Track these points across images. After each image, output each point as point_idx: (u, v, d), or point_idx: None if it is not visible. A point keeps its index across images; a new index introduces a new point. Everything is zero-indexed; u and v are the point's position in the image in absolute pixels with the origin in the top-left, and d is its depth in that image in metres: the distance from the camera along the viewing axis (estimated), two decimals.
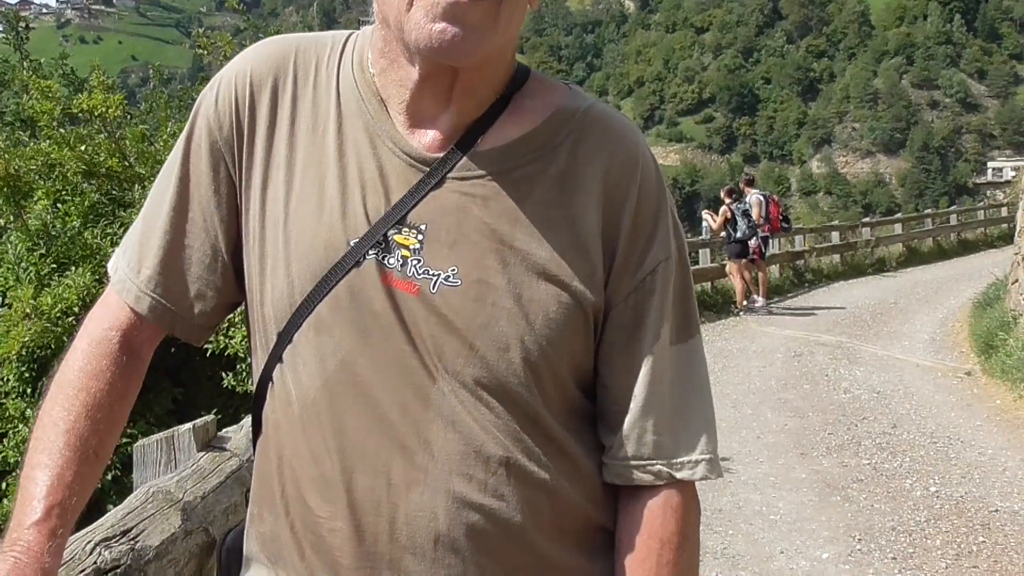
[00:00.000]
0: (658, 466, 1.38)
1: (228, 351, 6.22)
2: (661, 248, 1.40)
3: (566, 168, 1.38)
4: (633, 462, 1.38)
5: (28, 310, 5.97)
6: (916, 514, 6.83)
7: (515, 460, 1.31)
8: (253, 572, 1.45)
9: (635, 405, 1.38)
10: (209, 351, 6.25)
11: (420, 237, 1.33)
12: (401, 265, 1.32)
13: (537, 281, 1.33)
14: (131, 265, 1.47)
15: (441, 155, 1.36)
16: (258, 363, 1.44)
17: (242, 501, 2.23)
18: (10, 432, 6.08)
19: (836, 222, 26.06)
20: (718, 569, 5.72)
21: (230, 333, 6.28)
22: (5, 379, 6.37)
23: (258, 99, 1.43)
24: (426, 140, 1.37)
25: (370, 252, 1.33)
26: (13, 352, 6.00)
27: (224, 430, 2.45)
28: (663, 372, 1.39)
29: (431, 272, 1.32)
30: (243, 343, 6.05)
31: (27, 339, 5.86)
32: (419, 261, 1.32)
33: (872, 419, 9.57)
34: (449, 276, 1.32)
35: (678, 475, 1.38)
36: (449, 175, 1.35)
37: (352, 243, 1.34)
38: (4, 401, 6.29)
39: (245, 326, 1.50)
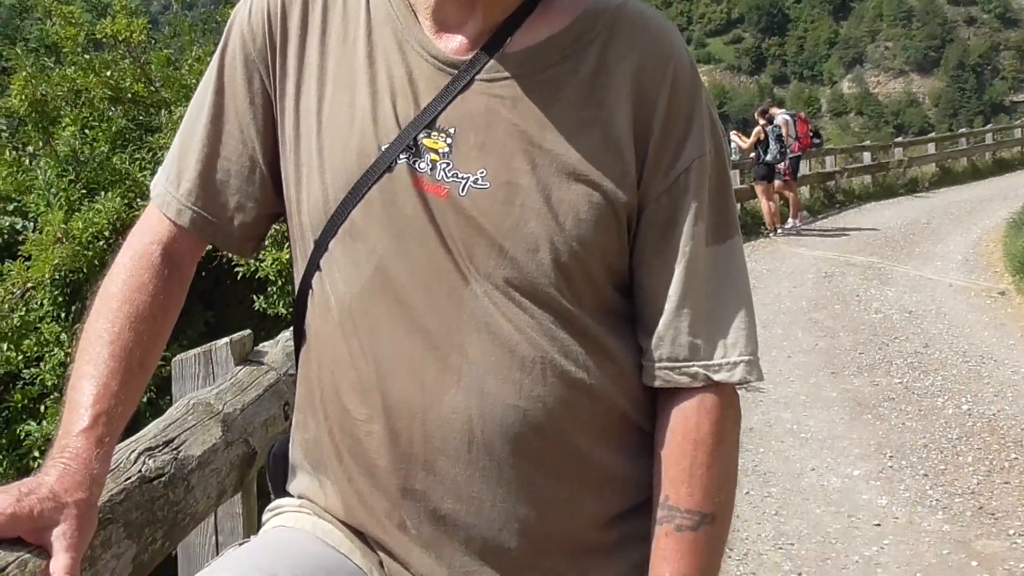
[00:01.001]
0: (695, 368, 1.37)
1: (259, 274, 6.25)
2: (695, 146, 1.38)
3: (596, 67, 1.36)
4: (669, 364, 1.38)
5: (59, 235, 6.01)
6: (948, 432, 6.84)
7: (549, 360, 1.31)
8: (298, 480, 1.47)
9: (670, 306, 1.37)
10: (240, 274, 6.29)
11: (449, 140, 1.33)
12: (431, 169, 1.32)
13: (567, 182, 1.32)
14: (170, 179, 1.48)
15: (469, 57, 1.35)
16: (298, 271, 1.45)
17: (280, 414, 2.25)
18: (46, 355, 6.15)
19: (868, 142, 25.73)
20: (749, 486, 5.75)
21: (261, 256, 6.31)
22: (39, 303, 6.43)
23: (289, 10, 1.43)
24: (454, 44, 1.37)
25: (401, 156, 1.33)
26: (46, 276, 6.06)
27: (261, 345, 2.47)
28: (698, 273, 1.38)
29: (460, 175, 1.32)
30: (274, 266, 6.08)
31: (58, 263, 5.91)
32: (448, 164, 1.32)
33: (904, 339, 9.54)
34: (478, 179, 1.31)
35: (715, 377, 1.37)
36: (477, 77, 1.35)
37: (383, 148, 1.34)
38: (39, 325, 6.35)
39: (288, 239, 1.51)
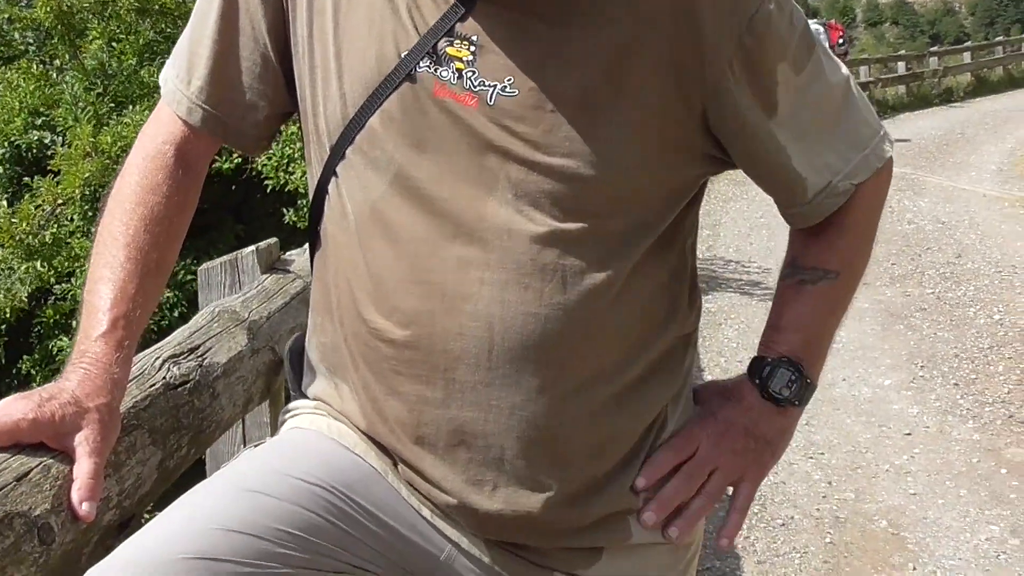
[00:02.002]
0: (840, 184, 1.38)
1: (288, 187, 6.25)
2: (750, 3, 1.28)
3: None
4: (816, 199, 1.38)
5: (88, 149, 6.01)
6: (979, 341, 6.80)
7: (572, 269, 1.28)
8: (315, 382, 1.45)
9: (794, 149, 1.35)
10: (269, 187, 6.28)
11: (472, 48, 1.28)
12: (456, 78, 1.28)
13: (599, 86, 1.27)
14: (181, 77, 1.45)
15: None
16: (313, 174, 1.42)
17: (307, 322, 2.24)
18: (77, 271, 6.18)
19: (903, 52, 25.31)
20: None
21: (290, 169, 6.30)
22: (70, 218, 6.45)
23: None
24: None
25: (422, 64, 1.29)
26: (76, 191, 6.07)
27: (288, 253, 2.45)
28: (800, 109, 1.33)
29: (487, 83, 1.27)
30: (303, 179, 6.06)
31: (88, 177, 5.91)
32: (474, 72, 1.27)
33: (936, 249, 9.46)
34: (506, 87, 1.27)
35: (857, 180, 1.38)
36: None
37: (403, 55, 1.30)
38: (70, 240, 6.38)
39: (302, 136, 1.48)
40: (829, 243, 1.43)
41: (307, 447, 1.39)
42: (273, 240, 2.38)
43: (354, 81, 1.33)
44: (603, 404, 1.32)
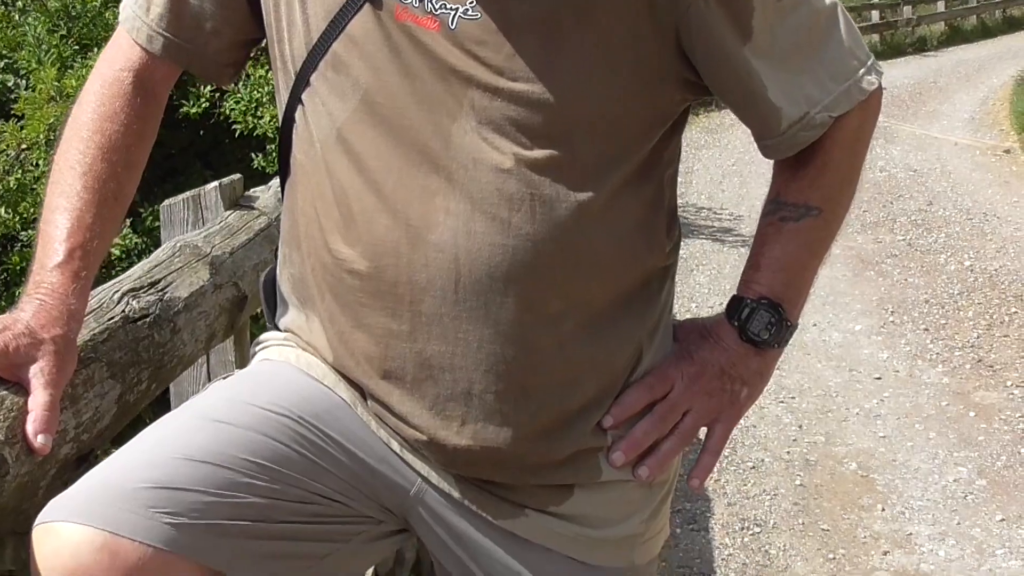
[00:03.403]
0: (819, 116, 1.33)
1: (257, 132, 6.16)
2: None
3: None
4: (790, 129, 1.33)
5: (52, 93, 5.90)
6: (950, 287, 6.83)
7: (540, 198, 1.24)
8: (287, 314, 1.43)
9: (760, 91, 1.31)
10: (238, 132, 6.20)
11: None
12: (418, 1, 1.24)
13: (564, 9, 1.23)
14: (139, 3, 1.40)
15: None
16: (281, 102, 1.39)
17: (272, 258, 2.20)
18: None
19: (875, 1, 25.26)
20: None
21: (259, 113, 6.21)
22: (35, 163, 6.35)
23: None
24: None
25: None
26: (40, 135, 5.97)
27: (252, 190, 2.41)
28: (778, 36, 1.29)
29: (449, 6, 1.23)
30: (272, 123, 5.99)
31: (53, 122, 5.81)
32: None
33: (908, 197, 9.48)
34: (468, 10, 1.22)
35: (836, 112, 1.33)
36: None
37: None
38: (35, 187, 6.28)
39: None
40: (812, 179, 1.38)
41: (275, 378, 1.36)
42: (237, 176, 2.34)
43: (316, 5, 1.29)
44: (574, 337, 1.29)
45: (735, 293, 1.41)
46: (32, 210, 6.18)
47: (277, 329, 1.46)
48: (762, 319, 1.37)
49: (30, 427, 1.22)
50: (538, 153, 1.24)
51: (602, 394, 1.33)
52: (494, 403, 1.28)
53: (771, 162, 1.42)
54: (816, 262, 1.42)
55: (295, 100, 1.34)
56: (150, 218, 6.04)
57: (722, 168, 11.28)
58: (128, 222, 6.24)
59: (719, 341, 1.40)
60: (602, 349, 1.32)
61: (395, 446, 1.34)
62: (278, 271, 1.46)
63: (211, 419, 1.26)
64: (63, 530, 1.14)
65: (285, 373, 1.36)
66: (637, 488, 1.37)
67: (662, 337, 1.39)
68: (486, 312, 1.25)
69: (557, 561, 1.36)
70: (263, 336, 1.47)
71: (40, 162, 6.26)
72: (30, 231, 6.15)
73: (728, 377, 1.39)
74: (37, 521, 1.17)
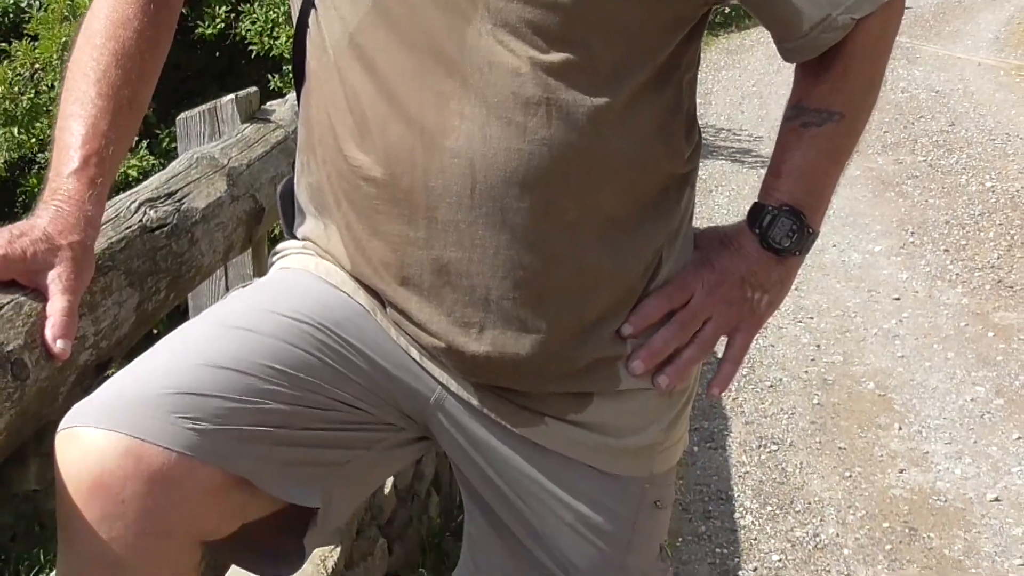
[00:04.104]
0: (839, 19, 1.29)
1: (273, 52, 6.13)
2: None
3: None
4: (808, 37, 1.31)
5: (65, 12, 5.86)
6: (970, 208, 6.78)
7: (556, 102, 1.21)
8: (305, 224, 1.41)
9: None
10: (254, 53, 6.16)
11: None
12: None
13: None
14: None
15: None
16: (295, 9, 1.36)
17: (289, 171, 2.19)
18: None
19: None
20: None
21: (275, 34, 6.17)
22: (49, 85, 6.33)
23: None
24: None
25: None
26: (54, 56, 5.95)
27: (268, 103, 2.39)
28: None
29: None
30: (287, 44, 5.94)
31: (67, 42, 5.78)
32: None
33: (929, 118, 9.37)
34: None
35: (857, 15, 1.30)
36: None
37: None
38: (50, 108, 6.26)
39: None
40: (834, 83, 1.35)
41: (295, 286, 1.35)
42: (253, 89, 2.31)
43: None
44: (592, 244, 1.27)
45: (756, 201, 1.39)
46: (48, 132, 6.17)
47: (295, 239, 1.45)
48: (783, 226, 1.35)
49: (49, 332, 1.22)
50: (555, 56, 1.21)
51: (620, 303, 1.32)
52: (511, 310, 1.27)
53: (791, 83, 1.40)
54: (837, 169, 1.40)
55: (308, 5, 1.32)
56: (167, 139, 6.02)
57: (742, 90, 11.16)
58: (145, 143, 6.23)
59: (740, 249, 1.38)
60: (620, 257, 1.30)
61: (414, 354, 1.33)
62: (296, 180, 1.44)
63: (232, 326, 1.25)
64: (87, 435, 1.13)
65: (304, 281, 1.35)
66: (656, 397, 1.37)
67: (682, 246, 1.38)
68: (502, 218, 1.23)
69: (576, 469, 1.35)
70: (281, 245, 1.46)
71: (54, 83, 6.24)
72: (47, 153, 6.14)
73: (749, 285, 1.38)
74: (60, 426, 1.17)
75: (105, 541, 1.12)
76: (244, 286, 1.40)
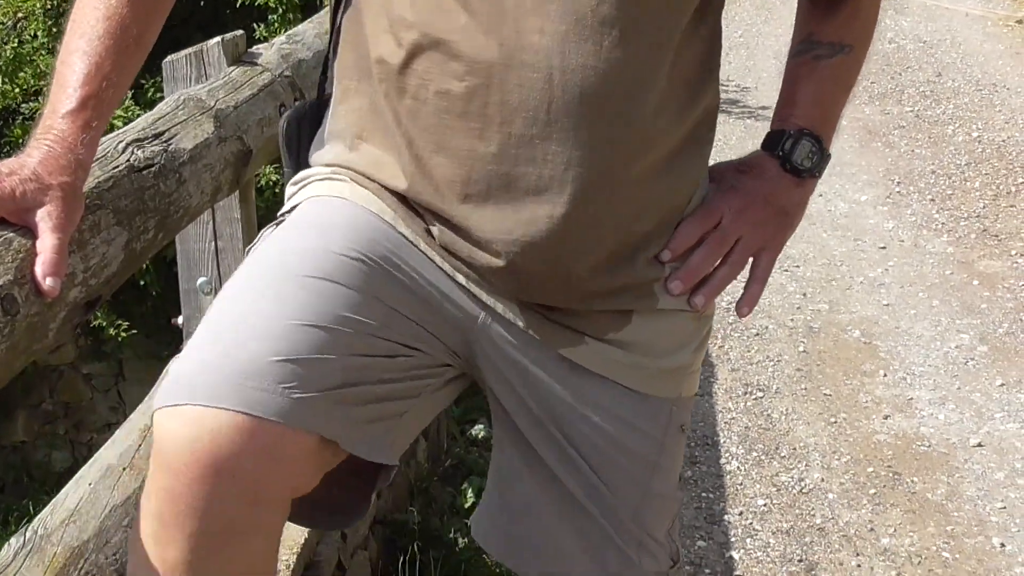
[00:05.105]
0: None
1: (258, 1, 6.07)
2: None
3: None
4: None
5: None
6: (957, 158, 6.79)
7: (632, 23, 1.23)
8: (329, 150, 1.39)
9: None
10: (239, 2, 6.10)
11: None
12: None
13: None
14: None
15: None
16: None
17: (276, 115, 2.18)
18: (44, 89, 6.03)
19: None
20: None
21: None
22: (33, 34, 6.27)
23: None
24: None
25: None
26: (37, 4, 5.89)
27: (255, 47, 2.37)
28: None
29: None
30: None
31: None
32: None
33: (917, 68, 9.34)
34: None
35: None
36: None
37: None
38: (34, 57, 6.21)
39: None
40: (846, 19, 1.45)
41: (337, 218, 1.32)
42: (239, 32, 2.30)
43: None
44: (651, 167, 1.30)
45: (771, 129, 1.46)
46: (32, 81, 6.12)
47: (308, 166, 1.42)
48: (804, 148, 1.43)
49: (39, 270, 1.22)
50: None
51: (662, 227, 1.36)
52: (571, 228, 1.27)
53: (778, 35, 1.51)
54: (845, 98, 1.49)
55: None
56: (152, 89, 5.97)
57: (729, 40, 11.07)
58: (130, 94, 6.18)
59: (762, 172, 1.44)
60: (671, 181, 1.34)
61: (460, 279, 1.32)
62: (332, 110, 1.41)
63: (307, 275, 1.23)
64: (195, 414, 1.12)
65: (347, 212, 1.33)
66: (689, 319, 1.41)
67: (706, 177, 1.43)
68: (575, 135, 1.24)
69: (611, 390, 1.38)
70: (304, 173, 1.42)
71: (38, 32, 6.19)
72: (32, 103, 6.08)
73: (772, 207, 1.44)
74: (160, 403, 1.16)
75: (215, 516, 1.13)
76: (278, 223, 1.37)
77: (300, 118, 1.47)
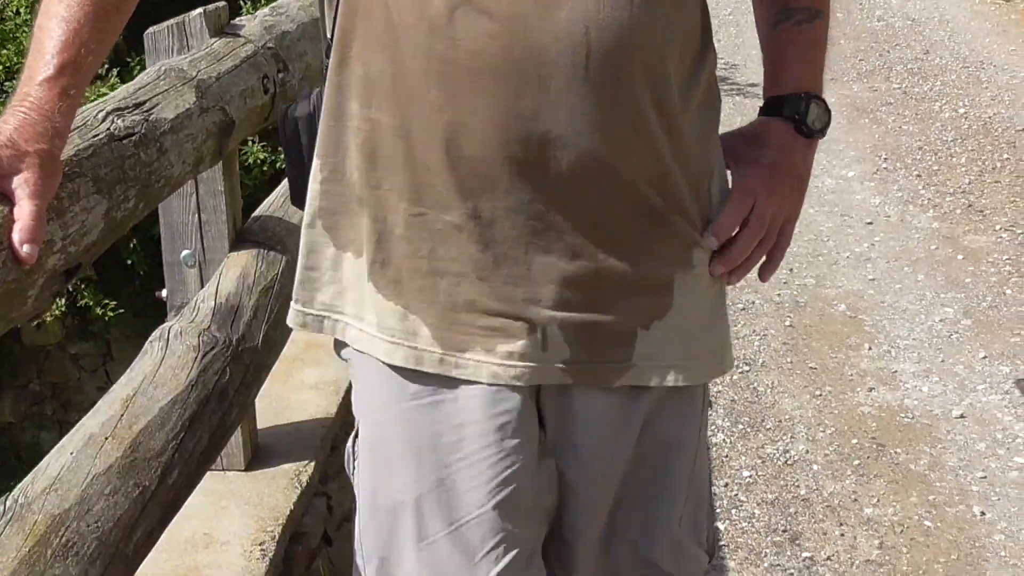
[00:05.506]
0: None
1: None
2: None
3: None
4: None
5: None
6: (943, 134, 6.79)
7: None
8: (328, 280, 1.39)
9: None
10: None
11: None
12: None
13: None
14: None
15: None
16: None
17: (259, 87, 2.18)
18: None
19: None
20: None
21: None
22: (15, 11, 6.25)
23: None
24: None
25: None
26: None
27: (237, 19, 2.36)
28: None
29: None
30: None
31: None
32: None
33: (904, 45, 9.34)
34: None
35: None
36: None
37: None
38: (17, 35, 6.20)
39: None
40: None
41: (431, 428, 1.35)
42: (222, 4, 2.29)
43: None
44: (679, 121, 1.32)
45: (776, 94, 1.47)
46: (15, 59, 6.09)
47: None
48: (815, 109, 1.45)
49: (16, 236, 1.22)
50: None
51: (697, 190, 1.37)
52: (609, 185, 1.29)
53: None
54: (824, 58, 1.51)
55: None
56: (138, 67, 5.95)
57: (718, 18, 11.09)
58: (116, 71, 6.15)
59: (778, 141, 1.45)
60: (697, 143, 1.36)
61: (502, 373, 1.32)
62: (333, 83, 1.33)
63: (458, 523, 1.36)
64: None
65: (421, 428, 1.36)
66: (719, 289, 1.44)
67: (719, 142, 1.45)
68: (611, 94, 1.25)
69: (664, 398, 1.40)
70: (346, 336, 1.40)
71: (20, 8, 6.16)
72: (14, 81, 6.06)
73: (793, 176, 1.46)
74: None
75: None
76: (363, 446, 1.49)
77: (306, 115, 1.42)
